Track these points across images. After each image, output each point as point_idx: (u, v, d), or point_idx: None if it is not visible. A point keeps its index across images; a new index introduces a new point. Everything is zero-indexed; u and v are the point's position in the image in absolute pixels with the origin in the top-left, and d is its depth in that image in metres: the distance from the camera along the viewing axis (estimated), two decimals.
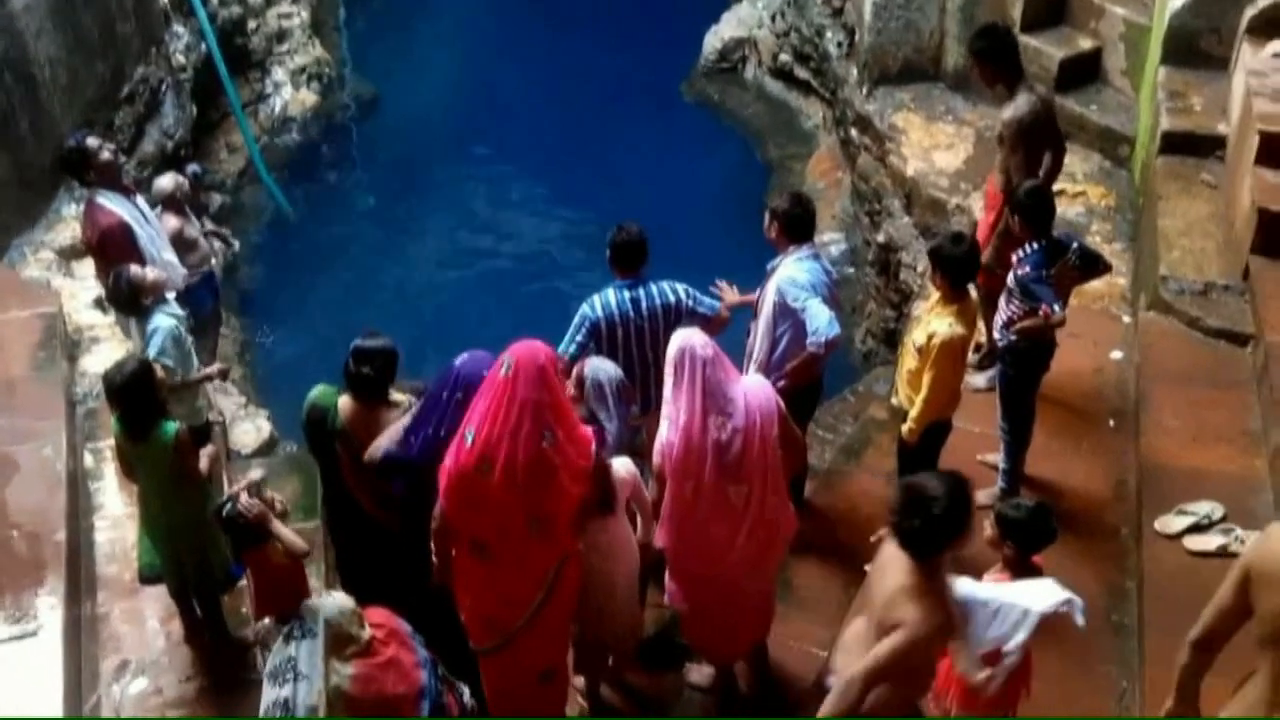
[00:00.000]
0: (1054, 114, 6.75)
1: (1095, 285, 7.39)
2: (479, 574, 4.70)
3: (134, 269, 6.24)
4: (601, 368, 5.35)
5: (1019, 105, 6.44)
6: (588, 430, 4.74)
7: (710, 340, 4.90)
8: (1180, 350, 6.78)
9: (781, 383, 5.79)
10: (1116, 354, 7.12)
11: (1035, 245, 5.76)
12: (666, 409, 4.88)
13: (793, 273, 5.80)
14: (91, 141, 6.93)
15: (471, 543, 4.65)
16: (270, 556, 4.87)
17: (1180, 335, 6.86)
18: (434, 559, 4.83)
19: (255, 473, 5.31)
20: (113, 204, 6.80)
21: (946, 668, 4.61)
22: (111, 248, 6.59)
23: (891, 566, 4.10)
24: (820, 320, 5.63)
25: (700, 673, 5.71)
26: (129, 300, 6.23)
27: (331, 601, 4.22)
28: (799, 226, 5.93)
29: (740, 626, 5.43)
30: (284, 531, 4.85)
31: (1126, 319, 7.39)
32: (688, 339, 4.83)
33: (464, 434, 4.47)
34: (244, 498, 4.87)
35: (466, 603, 4.82)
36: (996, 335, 6.05)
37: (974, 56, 6.68)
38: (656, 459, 4.92)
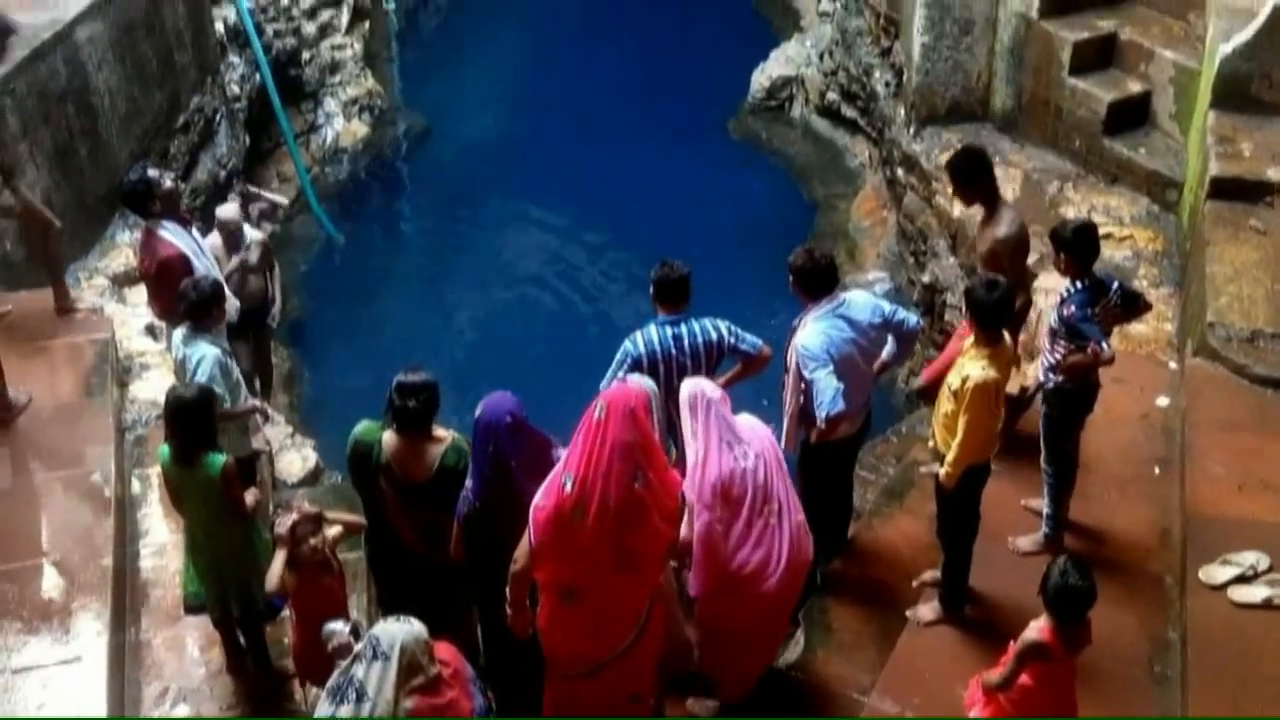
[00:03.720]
0: (1028, 236, 6.57)
1: (1142, 330, 7.37)
2: (568, 619, 4.79)
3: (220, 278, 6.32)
4: None
5: (1010, 222, 6.33)
6: (676, 474, 4.85)
7: (717, 385, 5.18)
8: (1227, 398, 6.71)
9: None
10: (1163, 400, 7.06)
11: (1079, 285, 5.73)
12: (689, 451, 5.06)
13: (807, 337, 5.76)
14: (153, 173, 6.98)
15: (560, 590, 4.74)
16: (313, 577, 5.00)
17: (1227, 382, 6.79)
18: (509, 608, 4.90)
19: (333, 530, 5.36)
20: (172, 235, 6.87)
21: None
22: (170, 279, 6.61)
23: None
24: (825, 395, 5.63)
25: (703, 706, 5.70)
26: (202, 305, 6.10)
27: (409, 628, 4.14)
28: (813, 281, 5.84)
29: (761, 657, 5.54)
30: (273, 567, 5.04)
31: (1173, 365, 7.32)
32: (697, 383, 5.16)
33: (561, 479, 4.59)
34: (285, 521, 5.01)
35: (555, 640, 4.89)
36: (1041, 378, 6.01)
37: (952, 176, 6.58)
38: (690, 495, 4.98)
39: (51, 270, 7.78)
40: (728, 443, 5.04)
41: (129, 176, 7.04)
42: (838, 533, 6.48)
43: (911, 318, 6.11)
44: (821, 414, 5.65)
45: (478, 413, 5.06)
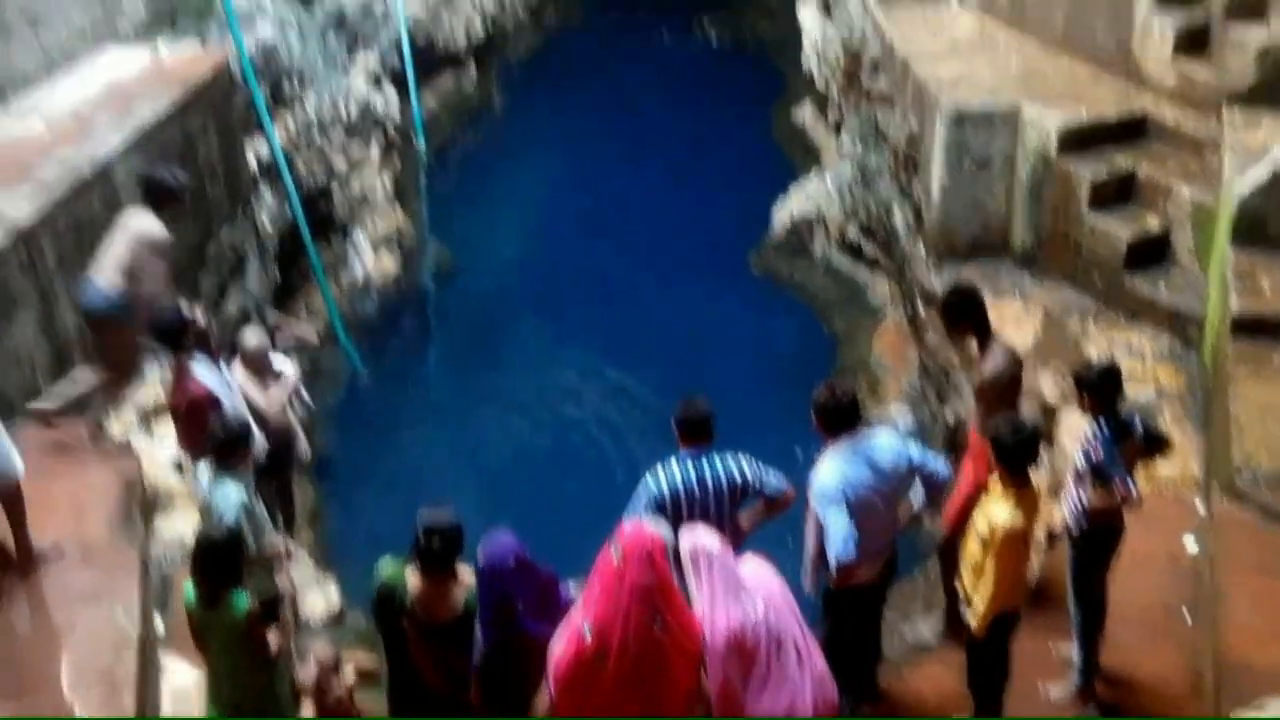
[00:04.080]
0: (1021, 372, 6.65)
1: (1168, 471, 7.32)
2: None
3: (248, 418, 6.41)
4: None
5: (996, 360, 6.39)
6: (695, 615, 4.83)
7: (711, 531, 5.11)
8: (1256, 540, 6.60)
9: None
10: (1190, 542, 7.00)
11: (1103, 426, 5.73)
12: (696, 607, 4.96)
13: (822, 475, 5.72)
14: (185, 310, 7.16)
15: None
16: None
17: (1256, 525, 6.67)
18: None
19: (350, 674, 5.37)
20: (202, 373, 6.97)
21: None
22: (199, 418, 6.69)
23: None
24: (835, 540, 5.57)
25: None
26: (229, 444, 6.16)
27: None
28: (834, 418, 5.78)
29: None
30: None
31: (1200, 505, 7.26)
32: (696, 539, 5.03)
33: (581, 628, 4.62)
34: (308, 673, 4.99)
35: None
36: (1070, 522, 5.97)
37: (944, 314, 6.64)
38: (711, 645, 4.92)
39: (105, 401, 7.94)
40: (734, 594, 4.93)
41: (162, 315, 7.16)
42: (865, 680, 6.38)
43: (942, 468, 6.01)
44: (830, 558, 5.59)
45: (479, 558, 5.07)
